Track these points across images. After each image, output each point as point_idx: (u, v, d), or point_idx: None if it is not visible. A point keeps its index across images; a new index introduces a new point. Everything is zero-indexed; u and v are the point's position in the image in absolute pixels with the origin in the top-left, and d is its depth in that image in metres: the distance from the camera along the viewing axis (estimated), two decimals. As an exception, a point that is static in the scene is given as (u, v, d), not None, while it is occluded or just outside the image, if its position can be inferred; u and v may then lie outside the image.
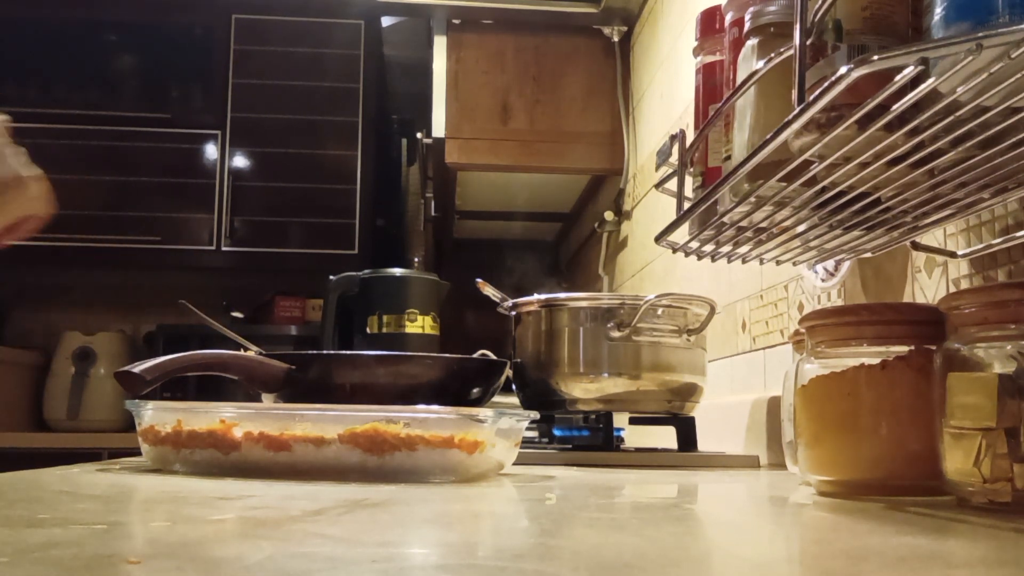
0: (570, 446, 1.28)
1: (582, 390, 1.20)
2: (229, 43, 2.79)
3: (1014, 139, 0.59)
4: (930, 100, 0.57)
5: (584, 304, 1.22)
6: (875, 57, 0.54)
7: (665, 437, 1.36)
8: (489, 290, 1.29)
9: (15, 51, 2.76)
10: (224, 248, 2.72)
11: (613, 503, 0.67)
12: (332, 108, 2.79)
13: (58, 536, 0.40)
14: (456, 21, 2.45)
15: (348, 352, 1.25)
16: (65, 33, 2.78)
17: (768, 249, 0.93)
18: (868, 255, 0.96)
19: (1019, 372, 0.58)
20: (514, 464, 0.85)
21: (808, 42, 0.62)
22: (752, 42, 0.80)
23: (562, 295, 1.24)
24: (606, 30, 2.44)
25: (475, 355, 1.24)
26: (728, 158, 0.87)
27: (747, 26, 0.81)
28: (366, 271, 1.93)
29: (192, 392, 2.54)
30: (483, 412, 0.76)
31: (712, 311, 1.21)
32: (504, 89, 2.44)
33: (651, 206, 2.12)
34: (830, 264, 1.17)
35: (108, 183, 2.72)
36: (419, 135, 2.71)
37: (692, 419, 1.26)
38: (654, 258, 2.05)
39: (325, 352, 1.27)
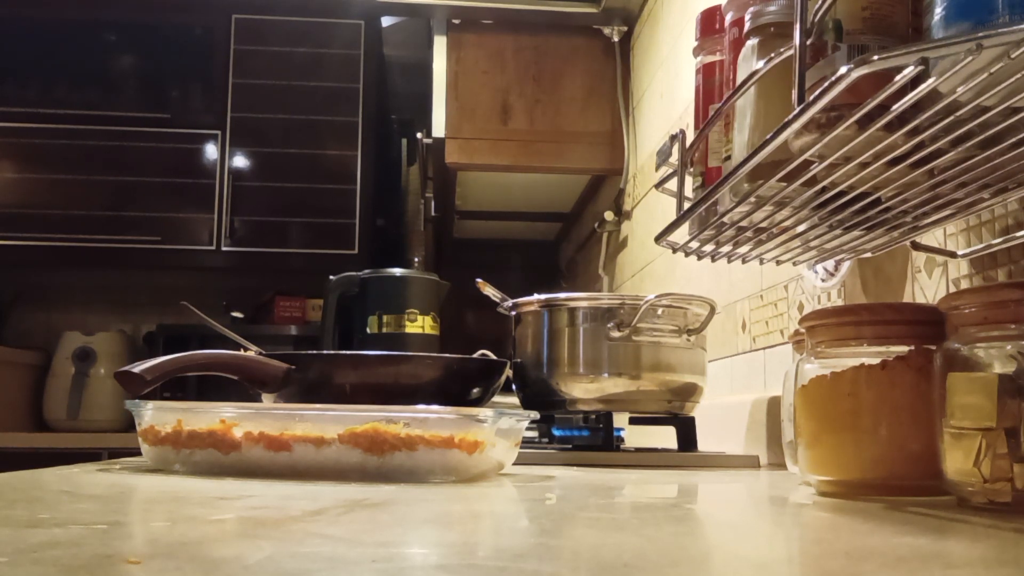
0: (570, 446, 1.28)
1: (582, 390, 1.20)
2: (229, 43, 2.79)
3: (1014, 139, 0.59)
4: (930, 100, 0.57)
5: (584, 304, 1.21)
6: (875, 57, 0.54)
7: (665, 437, 1.36)
8: (489, 290, 1.29)
9: (15, 51, 2.76)
10: (224, 248, 2.72)
11: (613, 503, 0.67)
12: (332, 108, 2.79)
13: (58, 536, 0.40)
14: (456, 21, 2.45)
15: (348, 352, 1.25)
16: (65, 33, 2.78)
17: (768, 249, 0.93)
18: (868, 255, 0.96)
19: (1019, 372, 0.58)
20: (514, 464, 0.85)
21: (808, 42, 0.62)
22: (752, 42, 0.80)
23: (562, 295, 1.24)
24: (606, 30, 2.44)
25: (475, 355, 1.24)
26: (728, 158, 0.87)
27: (747, 26, 0.81)
28: (366, 271, 1.93)
29: (192, 392, 2.54)
30: (483, 412, 0.76)
31: (712, 311, 1.21)
32: (504, 89, 2.44)
33: (651, 206, 2.12)
34: (830, 264, 1.17)
35: (108, 183, 2.72)
36: (419, 135, 2.71)
37: (692, 419, 1.26)
38: (654, 258, 2.05)
39: (325, 352, 1.27)
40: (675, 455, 1.22)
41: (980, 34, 0.51)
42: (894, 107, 0.57)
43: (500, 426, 0.77)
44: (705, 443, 1.33)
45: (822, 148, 0.65)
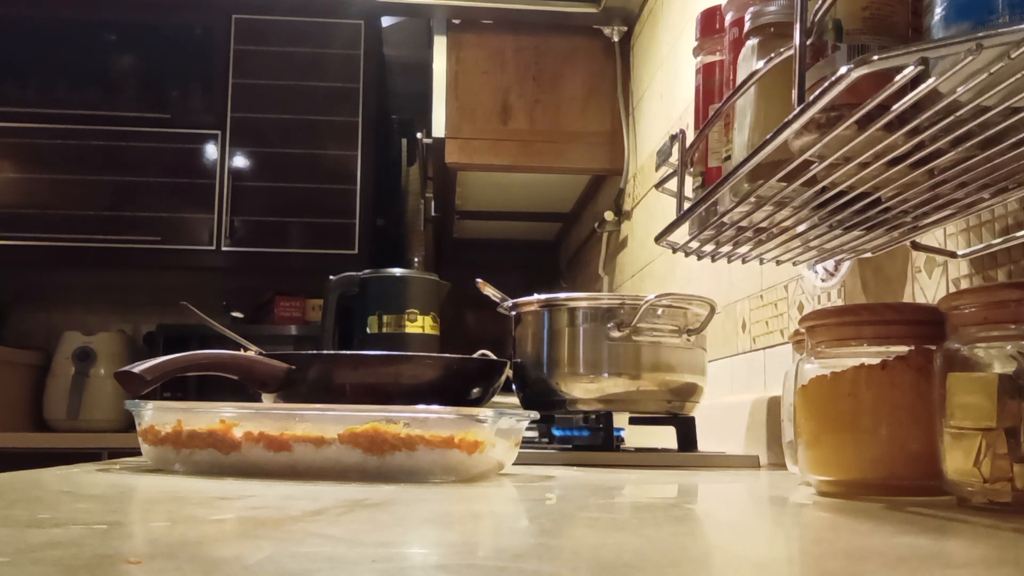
0: (570, 446, 1.28)
1: (582, 390, 1.20)
2: (229, 43, 2.79)
3: (1014, 139, 0.59)
4: (930, 100, 0.57)
5: (584, 304, 1.21)
6: (875, 57, 0.54)
7: (665, 437, 1.36)
8: (489, 290, 1.29)
9: (15, 51, 2.76)
10: (224, 248, 2.72)
11: (613, 503, 0.67)
12: (332, 108, 2.79)
13: (58, 536, 0.40)
14: (456, 21, 2.45)
15: (348, 352, 1.25)
16: (65, 33, 2.78)
17: (768, 249, 0.93)
18: (868, 255, 0.96)
19: (1019, 372, 0.58)
20: (514, 464, 0.85)
21: (808, 42, 0.62)
22: (752, 42, 0.80)
23: (562, 295, 1.24)
24: (606, 30, 2.44)
25: (475, 355, 1.23)
26: (728, 158, 0.87)
27: (747, 26, 0.81)
28: (366, 271, 1.92)
29: (192, 392, 2.54)
30: (483, 412, 0.76)
31: (712, 311, 1.21)
32: (504, 89, 2.44)
33: (651, 206, 2.11)
34: (830, 264, 1.17)
35: (108, 183, 2.72)
36: (419, 135, 2.71)
37: (692, 419, 1.26)
38: (654, 258, 2.05)
39: (325, 352, 1.27)
40: (675, 455, 1.22)
41: (980, 34, 0.51)
42: (894, 107, 0.57)
43: (500, 426, 0.77)
44: (705, 443, 1.33)
45: (822, 148, 0.65)
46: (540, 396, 1.23)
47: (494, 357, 1.21)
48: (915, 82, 0.55)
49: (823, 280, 1.20)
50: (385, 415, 0.74)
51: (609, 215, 2.46)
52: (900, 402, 0.69)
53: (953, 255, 0.89)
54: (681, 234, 0.97)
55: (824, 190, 0.73)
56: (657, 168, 2.04)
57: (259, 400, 1.06)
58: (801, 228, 0.85)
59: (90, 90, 2.77)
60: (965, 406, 0.59)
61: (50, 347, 2.83)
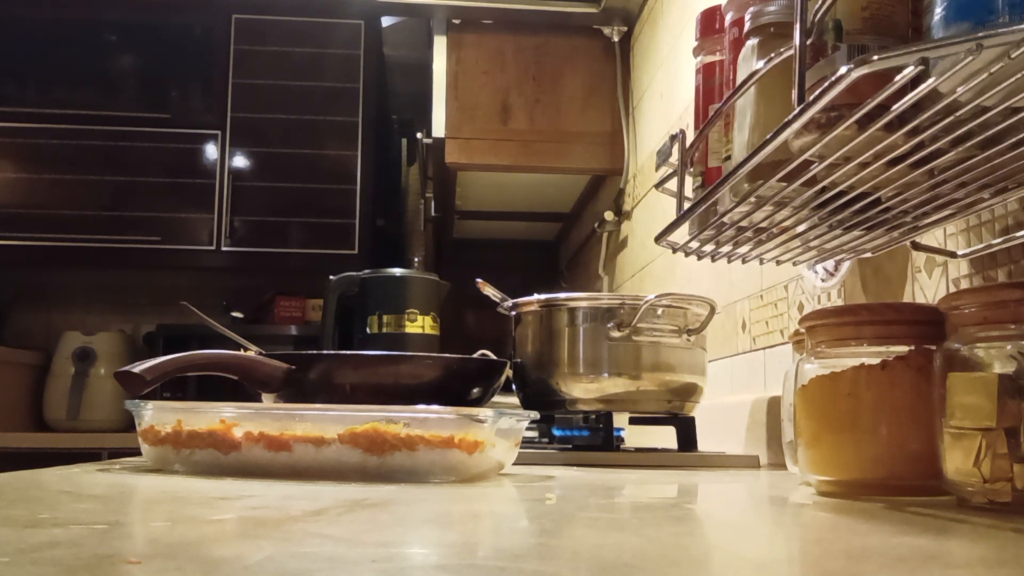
0: (570, 446, 1.28)
1: (582, 390, 1.20)
2: (229, 43, 2.79)
3: (1014, 139, 0.59)
4: (930, 100, 0.57)
5: (584, 304, 1.21)
6: (875, 57, 0.54)
7: (665, 437, 1.36)
8: (489, 290, 1.29)
9: (15, 51, 2.76)
10: (224, 248, 2.72)
11: (613, 503, 0.67)
12: (332, 108, 2.79)
13: (58, 536, 0.40)
14: (456, 21, 2.45)
15: (348, 352, 1.25)
16: (65, 33, 2.78)
17: (768, 249, 0.93)
18: (868, 255, 0.96)
19: (1019, 372, 0.58)
20: (514, 464, 0.85)
21: (808, 42, 0.62)
22: (752, 42, 0.80)
23: (562, 295, 1.24)
24: (606, 30, 2.44)
25: (475, 355, 1.23)
26: (728, 158, 0.87)
27: (747, 26, 0.81)
28: (366, 271, 1.92)
29: (192, 392, 2.54)
30: (483, 412, 0.76)
31: (712, 311, 1.21)
32: (504, 89, 2.44)
33: (651, 206, 2.11)
34: (830, 264, 1.17)
35: (108, 183, 2.72)
36: (419, 135, 2.71)
37: (692, 419, 1.26)
38: (654, 258, 2.05)
39: (325, 352, 1.27)
40: (675, 455, 1.22)
41: (980, 34, 0.51)
42: (894, 107, 0.57)
43: (500, 426, 0.77)
44: (705, 443, 1.33)
45: (822, 148, 0.65)
46: (540, 396, 1.23)
47: (494, 357, 1.21)
48: (915, 82, 0.55)
49: (823, 280, 1.20)
50: (385, 415, 0.74)
51: (609, 215, 2.46)
52: (900, 402, 0.69)
53: (953, 255, 0.89)
54: (681, 234, 0.97)
55: (824, 190, 0.73)
56: (657, 168, 2.04)
57: (259, 400, 1.06)
58: (801, 228, 0.85)
59: (90, 90, 2.77)
60: (965, 406, 0.59)
61: (50, 347, 2.83)
